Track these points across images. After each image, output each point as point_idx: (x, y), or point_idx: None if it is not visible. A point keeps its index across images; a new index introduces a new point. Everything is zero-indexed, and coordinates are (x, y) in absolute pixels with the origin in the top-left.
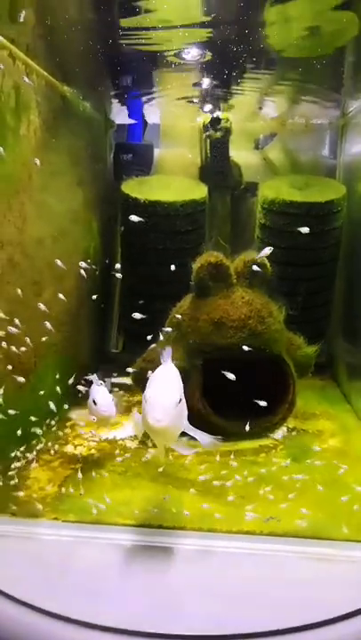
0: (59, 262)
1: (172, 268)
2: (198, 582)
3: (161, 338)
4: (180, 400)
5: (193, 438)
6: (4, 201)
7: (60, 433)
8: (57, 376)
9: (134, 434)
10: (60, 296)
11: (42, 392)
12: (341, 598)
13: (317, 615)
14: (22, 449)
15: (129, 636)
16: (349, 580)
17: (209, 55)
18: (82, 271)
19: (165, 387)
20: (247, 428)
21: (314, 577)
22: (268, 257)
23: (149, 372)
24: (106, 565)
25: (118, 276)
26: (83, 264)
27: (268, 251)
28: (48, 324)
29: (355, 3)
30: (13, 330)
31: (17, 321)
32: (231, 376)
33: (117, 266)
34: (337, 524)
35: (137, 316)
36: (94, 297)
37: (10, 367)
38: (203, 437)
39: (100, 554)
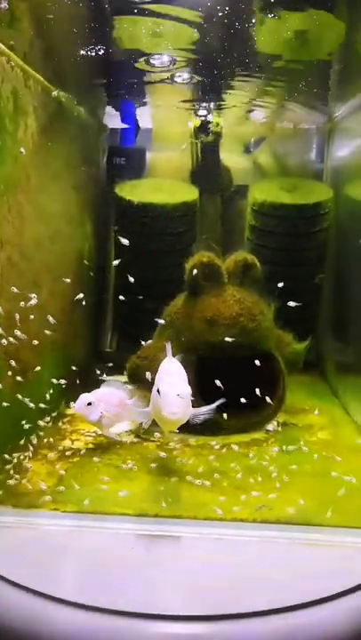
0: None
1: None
2: (195, 567)
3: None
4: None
5: None
6: (3, 202)
7: (58, 428)
8: (54, 373)
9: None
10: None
11: (39, 388)
12: (329, 581)
13: (306, 596)
14: (21, 443)
15: (126, 617)
16: (336, 563)
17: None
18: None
19: (177, 381)
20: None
21: (303, 561)
22: (257, 257)
23: (144, 368)
24: (104, 553)
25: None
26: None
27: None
28: (45, 323)
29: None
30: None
31: (15, 319)
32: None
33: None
34: (325, 512)
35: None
36: (80, 296)
37: (8, 364)
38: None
39: (98, 542)
